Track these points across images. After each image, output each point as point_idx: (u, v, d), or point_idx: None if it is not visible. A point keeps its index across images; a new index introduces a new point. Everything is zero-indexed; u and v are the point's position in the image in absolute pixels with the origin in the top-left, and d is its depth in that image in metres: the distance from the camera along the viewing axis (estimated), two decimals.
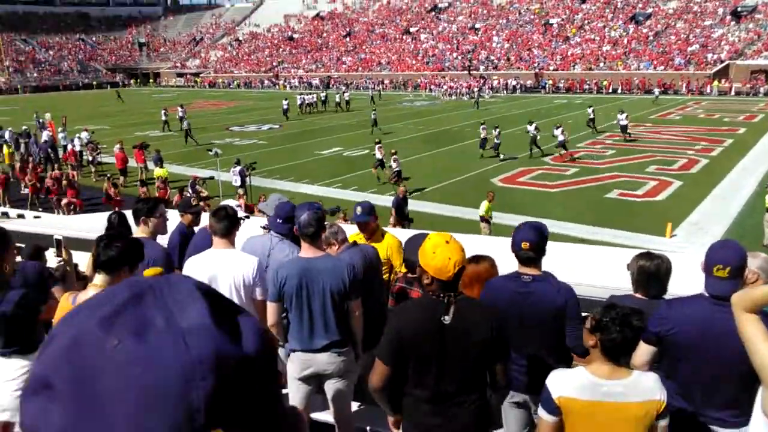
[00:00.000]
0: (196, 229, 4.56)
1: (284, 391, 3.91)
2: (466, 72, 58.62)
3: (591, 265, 5.92)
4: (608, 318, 2.28)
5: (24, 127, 29.72)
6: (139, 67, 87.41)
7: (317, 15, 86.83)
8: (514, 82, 54.10)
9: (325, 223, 4.02)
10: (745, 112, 34.47)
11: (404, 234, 5.14)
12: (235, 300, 3.42)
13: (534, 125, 23.08)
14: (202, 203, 5.44)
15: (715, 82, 45.82)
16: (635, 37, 56.48)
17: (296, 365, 3.44)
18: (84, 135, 25.25)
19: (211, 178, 19.32)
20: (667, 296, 3.07)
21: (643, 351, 2.66)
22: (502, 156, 22.78)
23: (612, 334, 2.26)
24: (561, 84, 52.40)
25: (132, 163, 21.99)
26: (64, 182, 18.20)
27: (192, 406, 0.49)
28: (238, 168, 18.55)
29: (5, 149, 24.45)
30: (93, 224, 8.70)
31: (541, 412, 2.35)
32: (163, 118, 34.05)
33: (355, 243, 4.08)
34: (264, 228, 4.44)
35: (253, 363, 0.55)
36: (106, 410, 0.49)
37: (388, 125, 31.89)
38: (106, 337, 0.51)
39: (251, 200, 16.60)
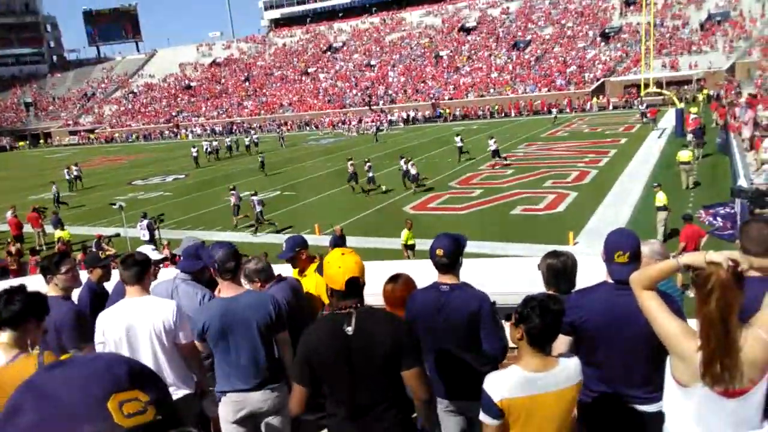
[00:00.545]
0: (107, 284, 4.44)
1: None
2: (366, 107, 59.97)
3: (504, 276, 6.27)
4: (528, 308, 2.37)
5: None
6: (27, 128, 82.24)
7: (213, 62, 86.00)
8: (413, 114, 55.95)
9: (251, 258, 4.08)
10: (623, 123, 37.56)
11: None
12: (157, 347, 3.36)
13: (404, 160, 23.54)
14: (111, 260, 5.30)
15: (594, 99, 49.64)
16: (519, 63, 60.25)
17: (229, 407, 3.36)
18: None
19: (117, 235, 18.56)
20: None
21: (561, 341, 2.73)
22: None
23: (534, 321, 2.33)
24: (458, 112, 54.77)
25: (27, 228, 20.68)
26: None
27: None
28: (145, 221, 17.96)
29: None
30: None
31: (485, 418, 2.35)
32: (69, 176, 32.66)
33: (281, 277, 4.08)
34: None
35: None
36: None
37: (301, 164, 32.02)
38: None
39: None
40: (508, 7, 72.56)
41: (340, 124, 55.67)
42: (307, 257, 4.42)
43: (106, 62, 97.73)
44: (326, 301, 4.21)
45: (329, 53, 77.15)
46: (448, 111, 55.36)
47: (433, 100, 58.10)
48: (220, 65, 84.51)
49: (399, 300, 3.44)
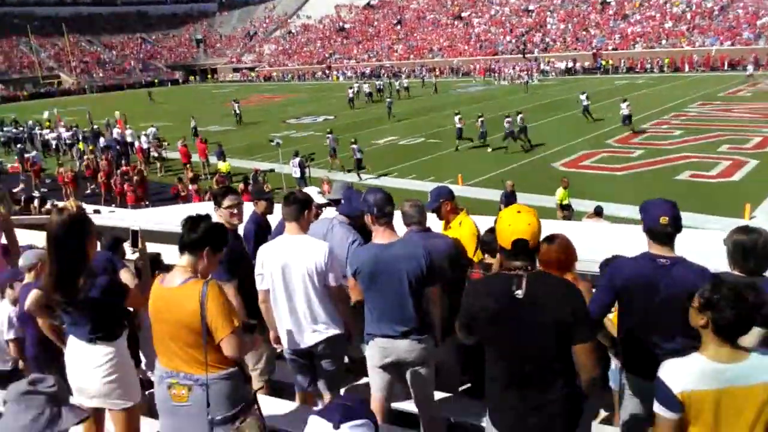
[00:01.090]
0: (270, 218, 4.54)
1: (365, 379, 3.88)
2: (520, 56, 57.24)
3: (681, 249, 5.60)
4: (718, 294, 2.09)
5: (94, 126, 31.12)
6: (197, 63, 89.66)
7: (368, 4, 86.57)
8: (570, 64, 52.44)
9: (408, 201, 3.96)
10: None
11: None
12: (309, 286, 3.41)
13: (520, 116, 22.09)
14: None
15: None
16: (699, 12, 53.57)
17: (375, 352, 3.35)
18: (151, 131, 26.08)
19: (272, 170, 19.62)
20: None
21: (752, 333, 2.36)
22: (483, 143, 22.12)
23: (725, 311, 2.07)
24: (621, 64, 50.37)
25: (195, 157, 22.59)
26: (136, 178, 18.84)
27: None
28: (297, 159, 18.76)
29: (82, 147, 25.51)
30: (166, 217, 8.96)
31: (662, 410, 2.13)
32: (237, 110, 35.00)
33: (429, 229, 3.95)
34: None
35: None
36: None
37: (446, 111, 31.50)
38: None
39: None
40: None
41: (490, 73, 53.81)
42: (451, 208, 4.25)
43: (268, 2, 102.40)
44: (471, 255, 4.01)
45: None
46: (610, 62, 51.12)
47: (595, 50, 53.89)
48: (374, 8, 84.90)
49: (554, 262, 3.25)
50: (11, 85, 73.30)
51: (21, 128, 33.02)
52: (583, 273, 3.81)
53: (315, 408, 3.62)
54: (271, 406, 3.62)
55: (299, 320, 3.48)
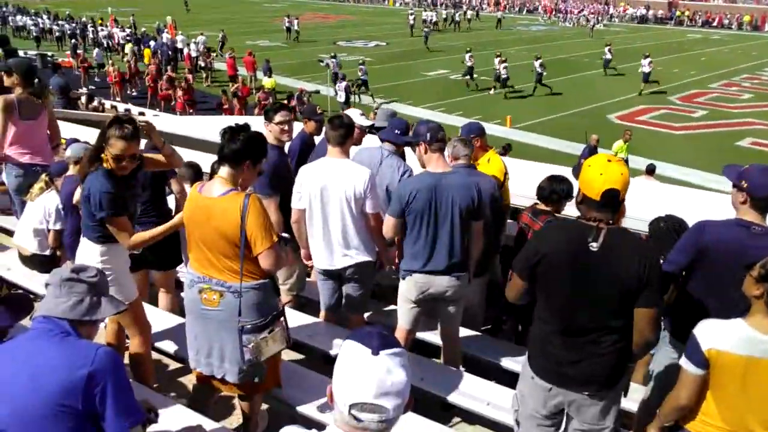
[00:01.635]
0: (317, 139, 4.46)
1: (391, 306, 3.88)
2: None
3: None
4: None
5: (143, 29, 31.08)
6: None
7: None
8: (643, 11, 49.43)
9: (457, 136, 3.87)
10: None
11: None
12: (346, 211, 3.37)
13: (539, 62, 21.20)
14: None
15: None
16: None
17: (412, 287, 3.29)
18: (201, 39, 25.85)
19: (317, 91, 19.41)
20: None
21: None
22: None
23: None
24: (698, 17, 47.23)
25: (242, 71, 22.45)
26: (183, 85, 18.91)
27: None
28: (344, 84, 18.48)
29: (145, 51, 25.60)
30: (208, 126, 8.97)
31: (686, 364, 2.13)
32: (286, 25, 34.43)
33: (471, 166, 3.80)
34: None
35: None
36: None
37: (503, 49, 30.30)
38: None
39: None
40: None
41: (557, 13, 51.19)
42: (481, 145, 4.17)
43: None
44: None
45: None
46: (686, 14, 47.94)
47: None
48: None
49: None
50: None
51: (74, 24, 33.23)
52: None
53: (342, 329, 3.66)
54: (297, 320, 3.67)
55: (331, 243, 3.45)
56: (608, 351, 2.25)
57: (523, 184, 4.52)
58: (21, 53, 12.16)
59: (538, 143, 15.75)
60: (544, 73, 21.04)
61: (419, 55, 28.98)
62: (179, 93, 18.52)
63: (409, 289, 3.31)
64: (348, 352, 1.27)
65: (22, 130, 4.56)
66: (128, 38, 28.13)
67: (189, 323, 2.74)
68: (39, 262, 4.19)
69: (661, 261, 2.42)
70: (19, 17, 37.05)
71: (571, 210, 3.01)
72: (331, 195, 3.37)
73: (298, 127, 4.42)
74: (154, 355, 3.35)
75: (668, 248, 2.80)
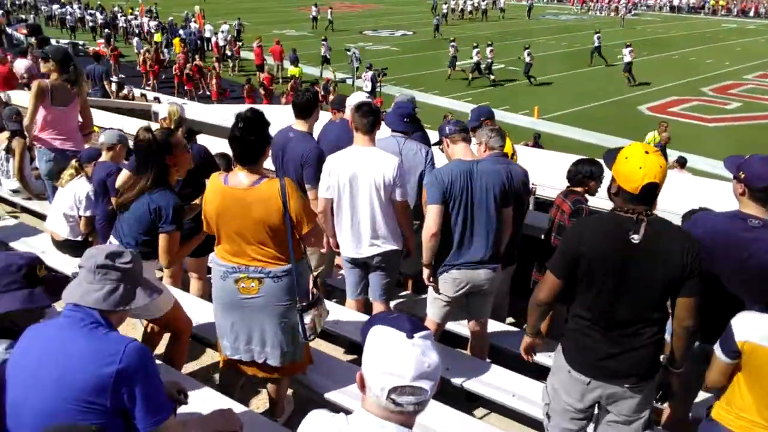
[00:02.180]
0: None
1: (417, 295, 3.87)
2: None
3: None
4: None
5: (170, 18, 31.34)
6: None
7: None
8: (676, 1, 48.22)
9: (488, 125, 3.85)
10: None
11: None
12: (375, 199, 3.35)
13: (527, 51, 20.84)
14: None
15: None
16: None
17: (449, 285, 3.23)
18: (224, 28, 25.98)
19: (344, 81, 19.39)
20: None
21: None
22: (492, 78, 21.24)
23: None
24: (733, 6, 45.90)
25: (269, 60, 22.52)
26: (215, 73, 19.08)
27: None
28: (370, 73, 18.42)
29: (160, 38, 25.89)
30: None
31: (718, 352, 2.18)
32: (314, 14, 34.53)
33: (504, 155, 3.76)
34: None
35: None
36: None
37: (531, 39, 29.89)
38: None
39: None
40: None
41: (587, 1, 50.22)
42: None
43: None
44: None
45: None
46: (721, 2, 46.64)
47: None
48: None
49: None
50: None
51: (104, 14, 33.67)
52: None
53: (368, 317, 3.64)
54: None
55: (359, 232, 3.44)
56: (648, 343, 2.22)
57: (552, 175, 4.46)
58: (53, 42, 12.36)
59: (566, 134, 15.52)
60: (533, 64, 20.79)
61: (446, 45, 28.72)
62: (213, 81, 18.75)
63: (445, 287, 3.24)
64: (380, 338, 1.26)
65: (53, 116, 4.65)
66: (157, 28, 28.41)
67: (223, 313, 2.72)
68: (71, 247, 4.26)
69: None
70: (54, 6, 37.67)
71: (602, 193, 2.96)
72: (360, 184, 3.35)
73: (324, 117, 4.43)
74: None
75: None
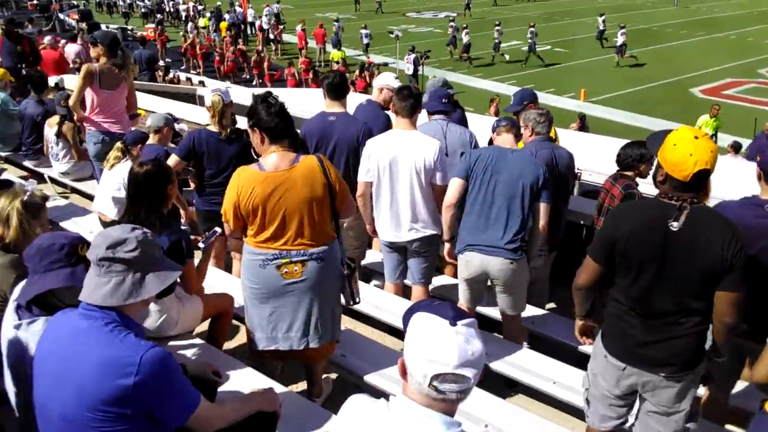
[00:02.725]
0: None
1: (454, 281, 3.83)
2: None
3: None
4: None
5: (218, 3, 31.71)
6: None
7: None
8: None
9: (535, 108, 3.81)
10: None
11: None
12: (415, 183, 3.33)
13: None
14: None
15: None
16: None
17: (464, 266, 3.24)
18: (268, 11, 26.05)
19: (386, 64, 19.30)
20: None
21: None
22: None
23: None
24: None
25: (312, 43, 22.58)
26: (254, 57, 19.29)
27: None
28: (412, 56, 18.27)
29: (207, 23, 26.24)
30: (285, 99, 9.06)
31: None
32: None
33: (549, 139, 3.68)
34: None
35: None
36: None
37: (577, 19, 29.07)
38: None
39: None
40: None
41: None
42: None
43: None
44: None
45: None
46: None
47: None
48: None
49: None
50: None
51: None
52: None
53: (407, 301, 3.65)
54: (362, 291, 3.65)
55: (399, 216, 3.43)
56: (688, 332, 2.15)
57: (597, 160, 4.33)
58: (102, 27, 12.69)
59: (612, 118, 15.08)
60: (537, 42, 20.31)
61: (491, 26, 28.17)
62: (264, 65, 19.04)
63: (462, 268, 3.27)
64: (423, 325, 1.25)
65: (101, 99, 4.79)
66: (202, 12, 28.84)
67: (261, 303, 2.66)
68: None
69: None
70: None
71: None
72: (400, 167, 3.34)
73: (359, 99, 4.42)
74: None
75: None
